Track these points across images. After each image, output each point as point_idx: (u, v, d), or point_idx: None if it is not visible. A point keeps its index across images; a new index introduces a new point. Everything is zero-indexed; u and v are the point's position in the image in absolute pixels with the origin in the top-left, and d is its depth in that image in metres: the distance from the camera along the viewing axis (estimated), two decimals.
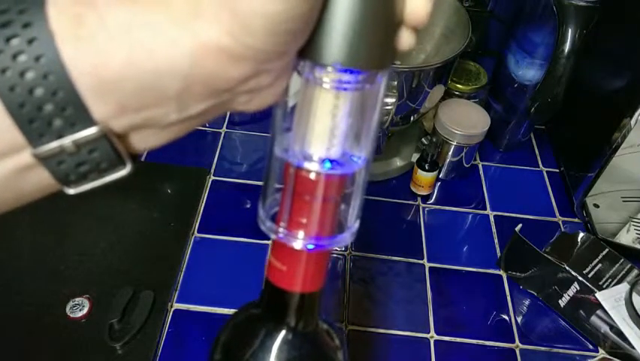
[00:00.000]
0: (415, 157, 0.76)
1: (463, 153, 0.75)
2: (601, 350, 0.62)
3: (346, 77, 0.23)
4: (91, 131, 0.19)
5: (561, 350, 0.62)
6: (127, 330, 0.57)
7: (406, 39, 0.23)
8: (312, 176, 0.25)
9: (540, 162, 0.84)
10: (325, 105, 0.23)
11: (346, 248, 0.69)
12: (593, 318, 0.62)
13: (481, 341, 0.62)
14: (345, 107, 0.23)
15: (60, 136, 0.19)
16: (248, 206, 0.72)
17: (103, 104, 0.19)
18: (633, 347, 0.59)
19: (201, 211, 0.71)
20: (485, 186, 0.80)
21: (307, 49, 0.22)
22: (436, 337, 0.62)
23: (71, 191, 0.21)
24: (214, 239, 0.68)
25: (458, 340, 0.62)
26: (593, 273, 0.62)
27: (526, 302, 0.66)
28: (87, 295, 0.60)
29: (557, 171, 0.83)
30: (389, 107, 0.62)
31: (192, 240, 0.67)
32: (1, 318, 0.58)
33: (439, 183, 0.79)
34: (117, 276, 0.62)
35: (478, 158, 0.83)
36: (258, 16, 0.18)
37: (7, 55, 0.18)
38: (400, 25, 0.23)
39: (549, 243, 0.68)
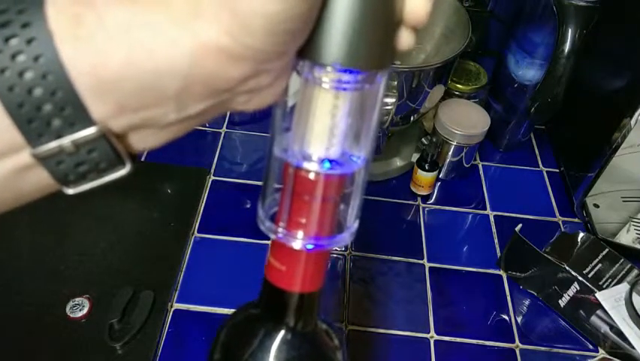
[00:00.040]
0: (415, 157, 0.76)
1: (463, 153, 0.75)
2: (601, 350, 0.62)
3: (346, 76, 0.23)
4: (90, 131, 0.19)
5: (561, 350, 0.62)
6: (127, 330, 0.57)
7: (405, 39, 0.23)
8: (312, 176, 0.25)
9: (540, 162, 0.84)
10: (325, 105, 0.23)
11: (346, 248, 0.69)
12: (593, 318, 0.62)
13: (481, 341, 0.62)
14: (344, 107, 0.23)
15: (59, 136, 0.19)
16: (248, 206, 0.72)
17: (102, 104, 0.19)
18: (633, 347, 0.59)
19: (201, 211, 0.71)
20: (485, 186, 0.80)
21: (306, 49, 0.22)
22: (436, 337, 0.62)
23: (70, 191, 0.21)
24: (214, 239, 0.68)
25: (458, 340, 0.62)
26: (593, 273, 0.62)
27: (526, 302, 0.66)
28: (87, 295, 0.60)
29: (557, 171, 0.83)
30: (389, 107, 0.62)
31: (192, 240, 0.67)
32: (1, 318, 0.58)
33: (439, 183, 0.79)
34: (117, 276, 0.62)
35: (478, 158, 0.83)
36: (257, 16, 0.18)
37: (6, 55, 0.18)
38: (399, 25, 0.23)
39: (549, 243, 0.68)
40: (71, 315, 0.58)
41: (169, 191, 0.73)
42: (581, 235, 0.67)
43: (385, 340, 0.61)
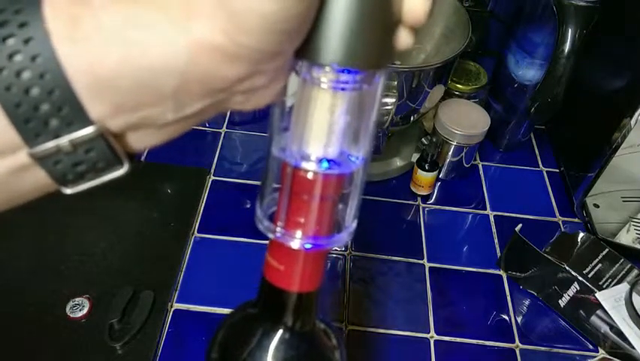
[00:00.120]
0: (415, 157, 0.76)
1: (463, 153, 0.75)
2: (601, 350, 0.62)
3: (344, 76, 0.23)
4: (87, 130, 0.19)
5: (561, 350, 0.62)
6: (127, 330, 0.57)
7: (404, 39, 0.23)
8: (310, 176, 0.25)
9: (540, 162, 0.84)
10: (323, 105, 0.23)
11: (346, 248, 0.69)
12: (593, 318, 0.62)
13: (481, 341, 0.62)
14: (342, 107, 0.23)
15: (56, 136, 0.19)
16: (248, 206, 0.73)
17: (99, 103, 0.19)
18: (633, 347, 0.59)
19: (201, 211, 0.71)
20: (485, 186, 0.80)
21: (304, 49, 0.22)
22: (436, 337, 0.62)
23: (68, 191, 0.21)
24: (214, 239, 0.68)
25: (458, 340, 0.62)
26: (593, 273, 0.62)
27: (526, 302, 0.66)
28: (87, 295, 0.60)
29: (557, 171, 0.83)
30: (389, 107, 0.62)
31: (192, 240, 0.67)
32: (1, 318, 0.58)
33: (439, 183, 0.79)
34: (117, 276, 0.62)
35: (478, 158, 0.83)
36: (253, 15, 0.18)
37: (3, 55, 0.18)
38: (397, 25, 0.23)
39: (549, 243, 0.68)
40: (71, 315, 0.58)
41: (169, 191, 0.73)
42: (581, 235, 0.67)
43: (385, 340, 0.61)
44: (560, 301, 0.64)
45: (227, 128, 0.82)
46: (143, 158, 0.75)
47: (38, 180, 0.20)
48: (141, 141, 0.22)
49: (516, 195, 0.79)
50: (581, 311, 0.63)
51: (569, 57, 0.62)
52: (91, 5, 0.18)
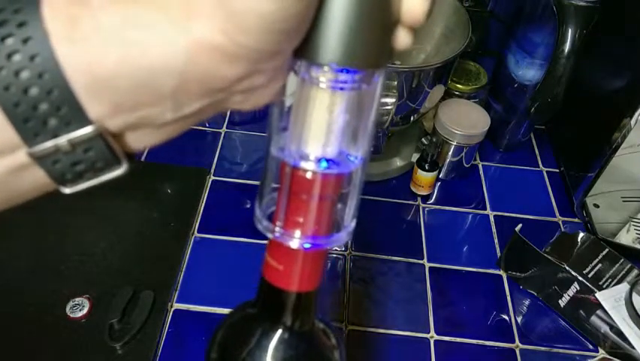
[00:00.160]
0: (415, 157, 0.76)
1: (463, 153, 0.75)
2: (601, 350, 0.62)
3: (343, 76, 0.23)
4: (86, 130, 0.19)
5: (561, 350, 0.62)
6: (127, 330, 0.57)
7: (403, 38, 0.23)
8: (309, 175, 0.25)
9: (540, 162, 0.84)
10: (321, 105, 0.23)
11: (346, 248, 0.69)
12: (593, 318, 0.62)
13: (481, 341, 0.62)
14: (341, 106, 0.23)
15: (55, 135, 0.19)
16: (248, 206, 0.73)
17: (98, 103, 0.19)
18: (633, 347, 0.59)
19: (201, 211, 0.71)
20: (485, 186, 0.80)
21: (303, 48, 0.22)
22: (436, 337, 0.62)
23: (67, 190, 0.21)
24: (214, 239, 0.68)
25: (458, 340, 0.62)
26: (593, 273, 0.62)
27: (526, 302, 0.66)
28: (87, 295, 0.60)
29: (557, 171, 0.83)
30: (389, 107, 0.62)
31: (192, 240, 0.68)
32: (1, 318, 0.58)
33: (439, 183, 0.79)
34: (117, 276, 0.62)
35: (478, 158, 0.83)
36: (252, 15, 0.18)
37: (2, 54, 0.18)
38: (396, 25, 0.23)
39: (549, 243, 0.68)
40: (71, 315, 0.58)
41: (169, 191, 0.73)
42: (581, 235, 0.67)
43: (385, 340, 0.61)
44: (560, 301, 0.64)
45: (227, 128, 0.83)
46: (143, 158, 0.75)
47: (37, 179, 0.21)
48: (140, 141, 0.22)
49: (516, 195, 0.79)
50: (581, 311, 0.63)
51: (569, 57, 0.62)
52: (90, 5, 0.18)
